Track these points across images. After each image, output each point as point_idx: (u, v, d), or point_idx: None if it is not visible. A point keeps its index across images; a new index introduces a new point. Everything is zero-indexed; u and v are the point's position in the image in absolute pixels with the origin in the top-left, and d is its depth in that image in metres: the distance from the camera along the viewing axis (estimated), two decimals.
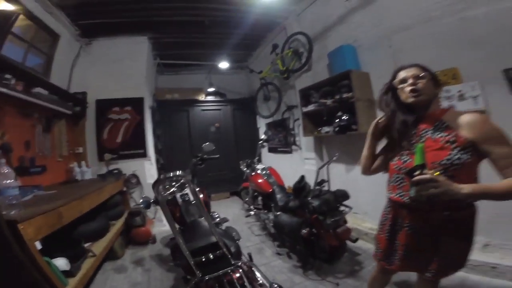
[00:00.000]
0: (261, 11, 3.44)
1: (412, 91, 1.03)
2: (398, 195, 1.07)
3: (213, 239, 1.36)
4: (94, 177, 3.36)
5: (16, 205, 1.39)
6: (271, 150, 4.96)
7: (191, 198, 2.33)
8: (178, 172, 2.17)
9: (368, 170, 1.28)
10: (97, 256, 2.11)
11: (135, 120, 3.87)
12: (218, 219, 2.44)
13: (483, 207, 1.86)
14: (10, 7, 2.30)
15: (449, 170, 0.90)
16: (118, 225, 2.91)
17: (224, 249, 1.28)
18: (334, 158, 2.36)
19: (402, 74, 1.10)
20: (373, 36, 2.77)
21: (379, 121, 1.19)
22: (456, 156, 0.90)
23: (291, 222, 2.32)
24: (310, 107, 3.34)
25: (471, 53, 2.06)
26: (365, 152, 1.27)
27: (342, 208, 2.08)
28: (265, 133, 4.61)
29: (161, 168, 4.55)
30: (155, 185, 1.34)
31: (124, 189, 3.55)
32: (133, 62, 3.91)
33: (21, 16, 2.44)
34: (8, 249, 1.10)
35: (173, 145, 5.15)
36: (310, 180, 2.41)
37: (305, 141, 3.80)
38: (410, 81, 1.05)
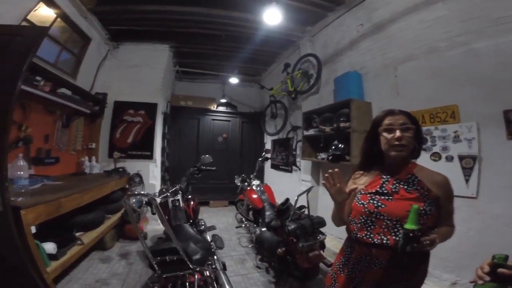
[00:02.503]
0: (276, 29, 3.54)
1: (397, 146, 1.02)
2: (366, 237, 1.06)
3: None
4: (101, 172, 3.63)
5: (24, 194, 1.62)
6: (274, 166, 5.05)
7: (181, 204, 2.51)
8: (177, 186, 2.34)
9: (341, 224, 1.23)
10: (85, 245, 2.29)
11: (147, 124, 4.13)
12: (203, 226, 2.57)
13: (453, 247, 1.83)
14: (50, 11, 2.63)
15: (423, 218, 0.97)
16: (113, 219, 3.11)
17: (183, 254, 1.38)
18: (309, 190, 2.37)
19: (388, 121, 1.06)
20: (379, 64, 2.71)
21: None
22: (428, 208, 1.00)
23: (270, 240, 2.41)
24: (311, 131, 3.37)
25: (472, 90, 1.90)
26: (336, 213, 1.19)
27: (319, 234, 2.14)
28: (266, 151, 4.71)
29: (166, 171, 4.78)
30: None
31: (127, 186, 3.78)
32: (152, 69, 4.21)
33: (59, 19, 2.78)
34: (7, 230, 1.30)
35: (181, 150, 5.40)
36: (303, 201, 2.34)
37: (304, 163, 3.83)
38: (398, 133, 1.02)
